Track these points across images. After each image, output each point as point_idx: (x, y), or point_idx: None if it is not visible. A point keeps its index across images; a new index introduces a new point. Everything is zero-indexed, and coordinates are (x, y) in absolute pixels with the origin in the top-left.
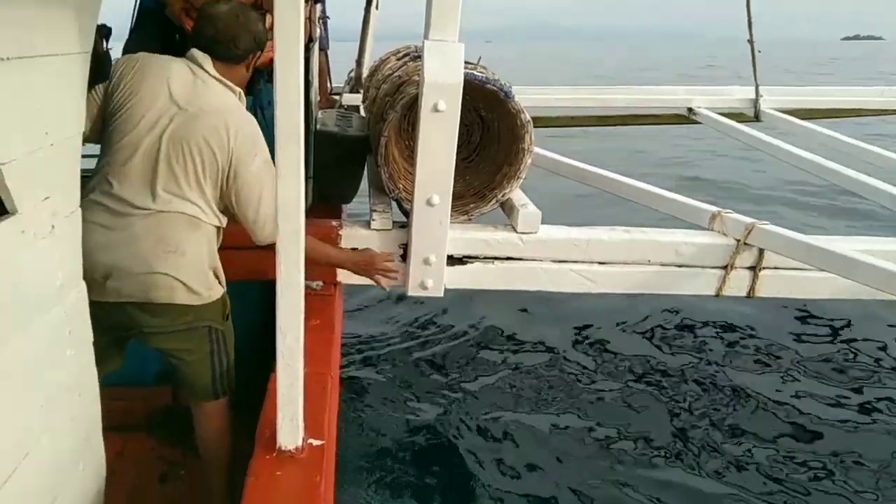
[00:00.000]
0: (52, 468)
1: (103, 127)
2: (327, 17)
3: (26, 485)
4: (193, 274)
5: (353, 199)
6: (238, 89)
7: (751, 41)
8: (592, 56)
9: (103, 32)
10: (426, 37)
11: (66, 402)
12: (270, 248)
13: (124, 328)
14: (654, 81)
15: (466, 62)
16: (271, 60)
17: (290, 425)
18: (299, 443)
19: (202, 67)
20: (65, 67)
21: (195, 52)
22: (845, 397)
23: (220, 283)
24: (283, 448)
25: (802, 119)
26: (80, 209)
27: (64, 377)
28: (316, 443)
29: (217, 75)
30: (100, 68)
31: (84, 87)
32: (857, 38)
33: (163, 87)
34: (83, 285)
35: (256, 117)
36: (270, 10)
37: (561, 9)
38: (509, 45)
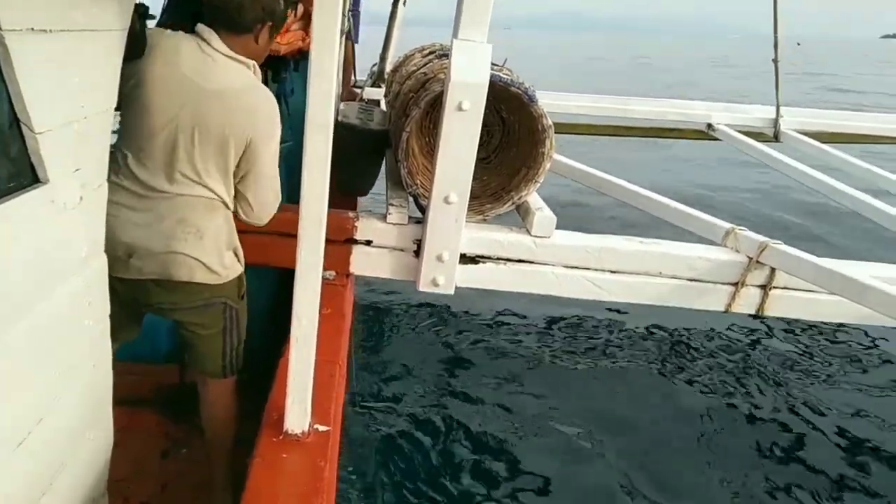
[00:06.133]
0: (64, 436)
1: (120, 106)
2: (358, 11)
3: (38, 450)
4: (213, 254)
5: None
6: (251, 62)
7: (775, 60)
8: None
9: (140, 11)
10: (455, 36)
11: (81, 372)
12: (282, 234)
13: (143, 303)
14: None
15: (492, 63)
16: (299, 50)
17: (298, 410)
18: (306, 427)
19: (210, 45)
20: (102, 43)
21: (201, 27)
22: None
23: (238, 261)
24: (289, 432)
25: (823, 142)
26: (106, 183)
27: (80, 347)
28: (322, 428)
29: (227, 51)
30: (135, 46)
31: (119, 63)
32: None
33: (175, 68)
34: (104, 258)
35: (280, 106)
36: (302, 0)
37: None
38: (528, 33)
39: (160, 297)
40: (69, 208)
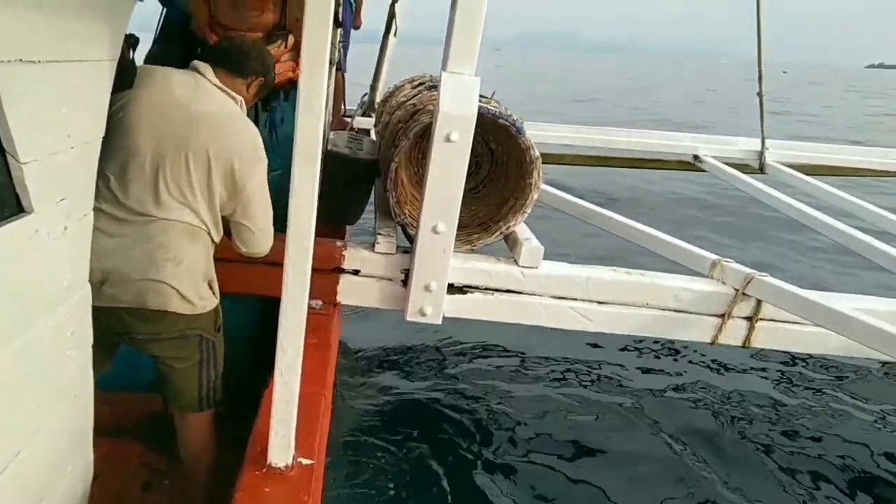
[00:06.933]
0: (43, 468)
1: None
2: (348, 42)
3: (16, 483)
4: (189, 283)
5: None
6: (239, 98)
7: (760, 94)
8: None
9: (130, 42)
10: (444, 68)
11: (62, 403)
12: (269, 263)
13: (116, 333)
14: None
15: (480, 96)
16: (289, 80)
17: (282, 443)
18: (289, 461)
19: (204, 76)
20: (92, 73)
21: (197, 62)
22: None
23: (214, 294)
24: (273, 465)
25: (807, 174)
26: (92, 213)
27: (62, 377)
28: (306, 462)
29: (218, 83)
30: (125, 77)
31: (108, 93)
32: (881, 66)
33: (167, 91)
34: (88, 287)
35: (270, 134)
36: (293, 31)
37: (571, 19)
38: (519, 54)
39: (134, 327)
40: (53, 238)
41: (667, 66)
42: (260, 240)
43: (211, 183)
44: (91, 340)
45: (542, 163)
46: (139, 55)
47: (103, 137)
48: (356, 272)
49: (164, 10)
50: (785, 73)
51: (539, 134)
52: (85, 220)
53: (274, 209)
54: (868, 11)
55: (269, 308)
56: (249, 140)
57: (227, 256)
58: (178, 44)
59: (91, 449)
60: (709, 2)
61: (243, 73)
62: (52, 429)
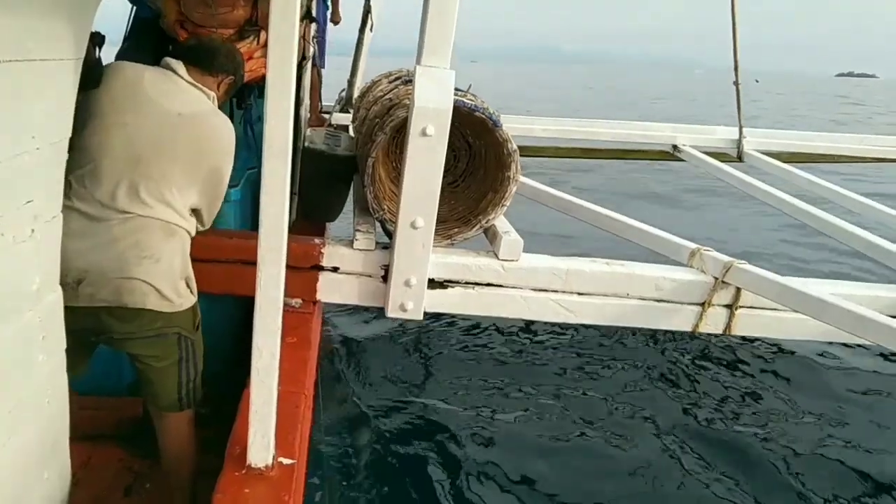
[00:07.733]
0: (16, 476)
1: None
2: (324, 38)
3: None
4: (166, 280)
5: (337, 219)
6: (211, 93)
7: (736, 83)
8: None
9: (96, 40)
10: (418, 62)
11: (35, 409)
12: (247, 262)
13: (94, 332)
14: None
15: (456, 89)
16: (263, 77)
17: (261, 443)
18: (269, 461)
19: (176, 72)
20: (56, 73)
21: (168, 59)
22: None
23: (191, 292)
24: (252, 465)
25: (783, 162)
26: (61, 214)
27: (34, 383)
28: (286, 461)
29: (190, 79)
30: (91, 75)
31: (74, 93)
32: (850, 74)
33: (138, 88)
34: (59, 290)
35: (246, 132)
36: (265, 27)
37: (550, 32)
38: (494, 65)
39: (112, 326)
40: (20, 242)
41: (641, 76)
42: (209, 223)
43: (192, 180)
44: (64, 345)
45: (523, 155)
46: (110, 55)
47: (75, 135)
48: (335, 269)
49: (134, 8)
50: (757, 81)
51: (516, 127)
52: (54, 221)
53: (253, 208)
54: (837, 21)
55: (249, 307)
56: (229, 139)
57: (207, 256)
58: (148, 42)
59: (68, 455)
60: (684, 14)
61: (211, 70)
62: (25, 436)
